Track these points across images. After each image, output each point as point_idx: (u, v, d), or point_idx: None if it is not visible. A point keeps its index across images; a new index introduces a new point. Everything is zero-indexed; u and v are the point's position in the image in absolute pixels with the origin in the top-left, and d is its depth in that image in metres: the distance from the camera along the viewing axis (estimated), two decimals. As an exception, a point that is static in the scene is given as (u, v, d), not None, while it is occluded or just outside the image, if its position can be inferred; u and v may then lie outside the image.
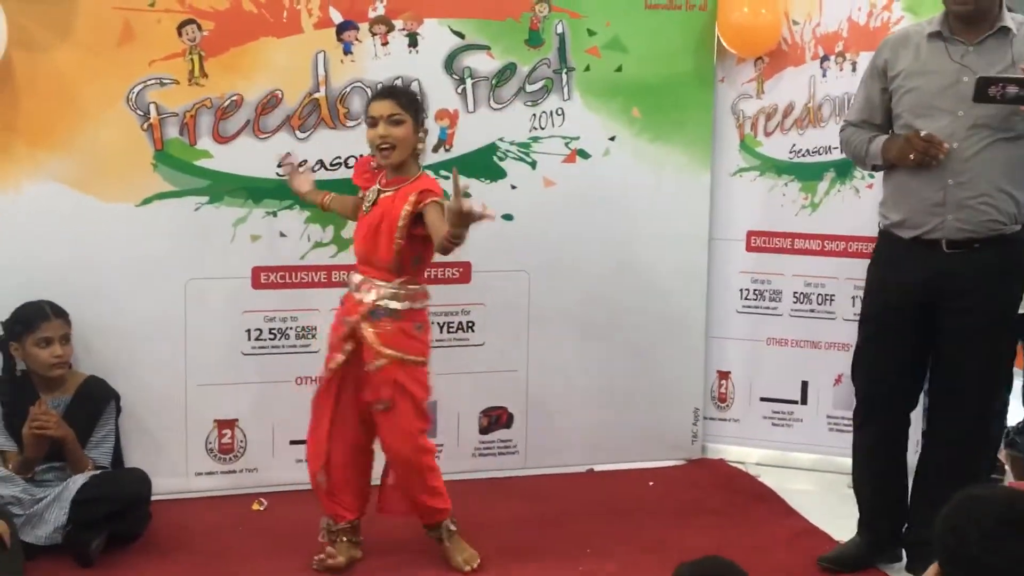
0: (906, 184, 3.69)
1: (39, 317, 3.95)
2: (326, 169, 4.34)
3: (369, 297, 3.63)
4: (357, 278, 3.70)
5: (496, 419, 4.66)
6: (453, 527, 3.82)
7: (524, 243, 4.55)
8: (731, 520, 4.31)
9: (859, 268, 4.73)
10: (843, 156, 4.61)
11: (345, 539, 3.82)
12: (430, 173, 3.87)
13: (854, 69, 4.70)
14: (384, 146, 3.61)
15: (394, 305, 3.61)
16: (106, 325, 4.19)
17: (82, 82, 4.09)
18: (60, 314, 4.00)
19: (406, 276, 3.63)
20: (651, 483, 4.72)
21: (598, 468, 4.84)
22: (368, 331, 3.61)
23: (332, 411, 3.76)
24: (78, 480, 3.80)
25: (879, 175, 3.97)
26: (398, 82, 4.32)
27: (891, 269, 3.80)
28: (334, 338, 3.74)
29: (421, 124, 3.71)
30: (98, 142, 4.12)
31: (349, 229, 4.39)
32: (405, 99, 3.67)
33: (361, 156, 3.97)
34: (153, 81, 4.14)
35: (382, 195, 3.66)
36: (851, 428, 4.89)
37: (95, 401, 4.02)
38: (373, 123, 3.61)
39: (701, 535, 4.07)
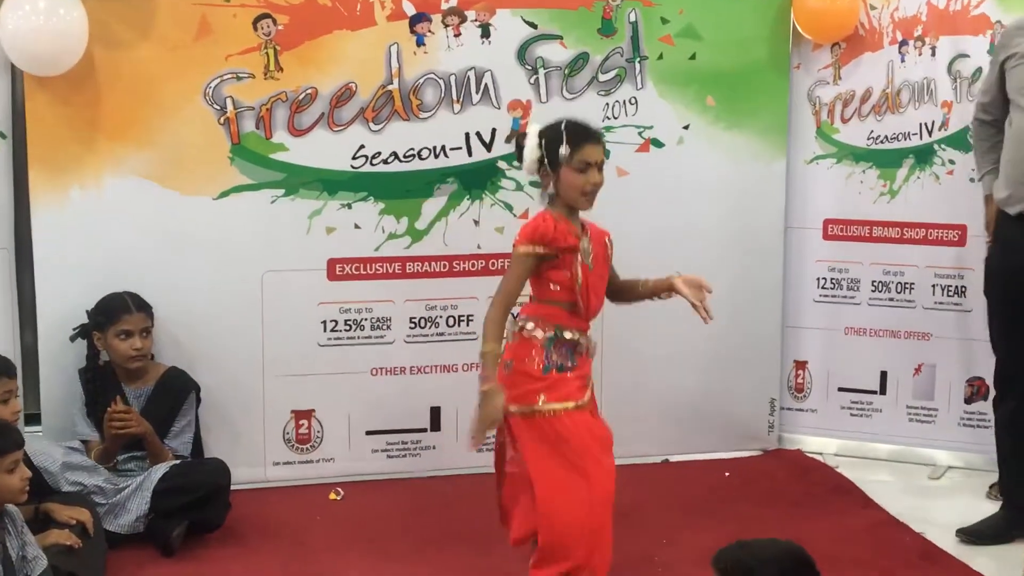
0: (1012, 159, 3.77)
1: (121, 309, 4.02)
2: (399, 161, 4.36)
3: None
4: (586, 339, 3.39)
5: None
6: None
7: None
8: (809, 511, 4.27)
9: (940, 256, 4.70)
10: (923, 142, 4.64)
11: None
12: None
13: (933, 54, 4.63)
14: (593, 193, 3.33)
15: None
16: (185, 317, 4.25)
17: (161, 78, 4.15)
18: (142, 307, 4.06)
19: None
20: (727, 474, 4.69)
21: (673, 459, 4.82)
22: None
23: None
24: (159, 470, 3.87)
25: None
26: (471, 73, 4.34)
27: (1003, 247, 3.87)
28: (581, 395, 3.34)
29: None
30: (177, 136, 4.18)
31: (423, 220, 4.43)
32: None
33: (544, 220, 3.28)
34: (229, 75, 4.19)
35: (592, 249, 3.38)
36: (931, 419, 4.86)
37: (175, 392, 4.09)
38: (584, 168, 3.27)
39: (778, 526, 4.03)
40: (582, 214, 3.38)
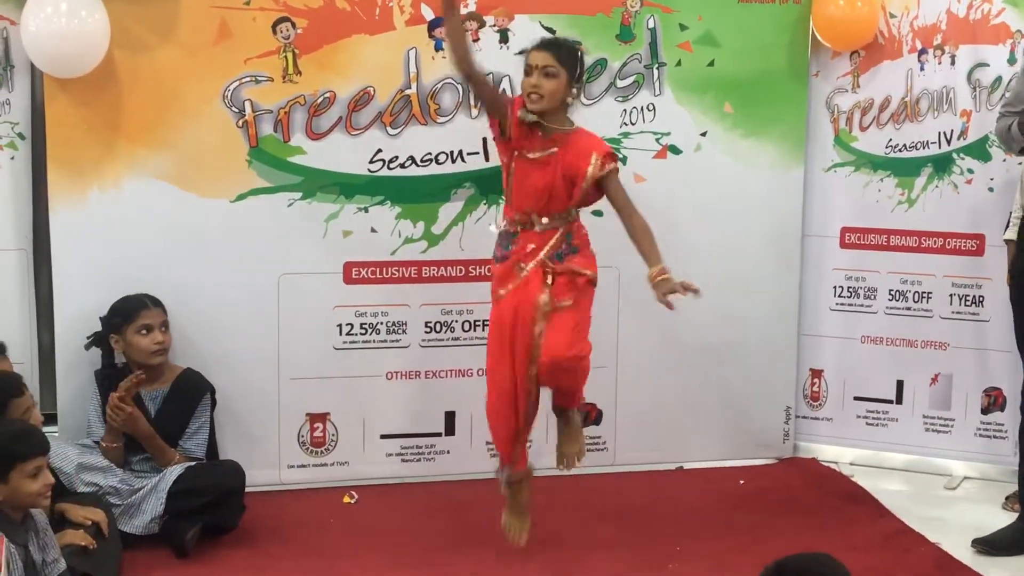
0: None
1: (138, 307, 4.04)
2: (417, 165, 4.37)
3: (549, 242, 3.76)
4: (530, 222, 3.76)
5: (585, 416, 4.64)
6: (579, 416, 3.96)
7: (614, 239, 4.48)
8: (823, 520, 4.25)
9: (957, 265, 4.68)
10: (941, 151, 4.61)
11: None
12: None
13: (953, 62, 4.62)
14: (533, 94, 3.69)
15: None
16: (202, 319, 4.26)
17: (181, 80, 4.16)
18: (157, 304, 4.08)
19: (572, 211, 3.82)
20: (742, 481, 4.68)
21: (688, 466, 4.81)
22: (564, 267, 3.77)
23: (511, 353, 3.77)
24: (174, 471, 3.88)
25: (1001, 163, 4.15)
26: (489, 79, 4.34)
27: None
28: (508, 282, 3.78)
29: (577, 80, 3.76)
30: (195, 139, 4.19)
31: (440, 224, 4.43)
32: (564, 53, 3.73)
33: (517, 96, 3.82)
34: (248, 79, 4.20)
35: (546, 152, 3.72)
36: (947, 429, 4.84)
37: (191, 393, 4.09)
38: (528, 71, 3.70)
39: (792, 534, 4.02)
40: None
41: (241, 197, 4.26)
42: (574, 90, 3.75)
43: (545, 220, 3.76)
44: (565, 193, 3.74)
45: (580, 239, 3.83)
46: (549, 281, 3.73)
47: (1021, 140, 3.89)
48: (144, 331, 4.01)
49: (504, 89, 4.33)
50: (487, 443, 4.57)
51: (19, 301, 4.22)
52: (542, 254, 3.74)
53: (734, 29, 4.59)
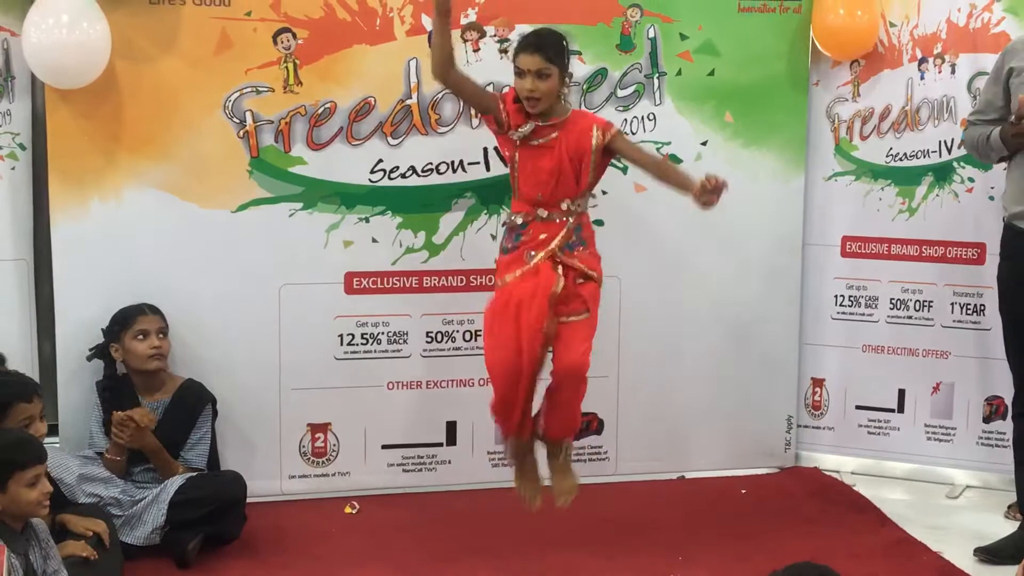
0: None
1: (135, 313, 4.06)
2: (418, 175, 4.37)
3: (560, 232, 3.76)
4: (540, 213, 3.76)
5: (586, 425, 4.64)
6: (571, 450, 3.96)
7: (615, 249, 4.51)
8: (825, 529, 4.25)
9: (959, 274, 4.68)
10: (942, 160, 4.62)
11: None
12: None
13: (953, 71, 4.62)
14: (531, 99, 3.71)
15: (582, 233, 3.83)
16: (203, 329, 4.26)
17: (182, 91, 4.17)
18: (155, 311, 4.10)
19: (580, 200, 3.83)
20: (743, 491, 4.67)
21: (689, 475, 4.80)
22: (572, 260, 3.76)
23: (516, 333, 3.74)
24: (175, 482, 3.87)
25: (1002, 171, 4.05)
26: (490, 88, 4.35)
27: (1013, 262, 3.87)
28: (514, 268, 3.77)
29: (566, 69, 3.77)
30: (196, 150, 4.20)
31: (440, 235, 4.43)
32: (552, 51, 3.73)
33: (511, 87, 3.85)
34: (249, 89, 4.21)
35: (548, 138, 3.74)
36: (949, 438, 4.83)
37: (192, 404, 4.09)
38: (520, 74, 3.70)
39: (794, 544, 4.02)
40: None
41: (242, 207, 4.27)
42: (567, 79, 3.78)
43: (554, 208, 3.76)
44: (573, 177, 3.75)
45: (587, 232, 3.85)
46: (560, 271, 3.74)
47: (1001, 150, 3.89)
48: (141, 336, 4.02)
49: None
50: (488, 453, 4.59)
51: (20, 312, 4.22)
52: (553, 244, 3.75)
53: (734, 38, 4.59)
